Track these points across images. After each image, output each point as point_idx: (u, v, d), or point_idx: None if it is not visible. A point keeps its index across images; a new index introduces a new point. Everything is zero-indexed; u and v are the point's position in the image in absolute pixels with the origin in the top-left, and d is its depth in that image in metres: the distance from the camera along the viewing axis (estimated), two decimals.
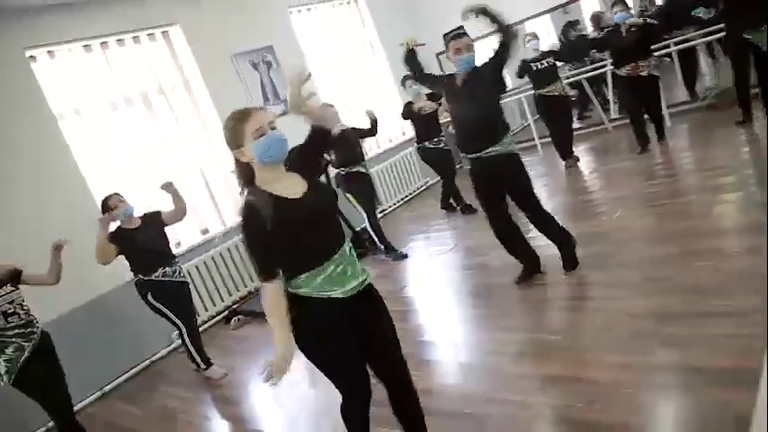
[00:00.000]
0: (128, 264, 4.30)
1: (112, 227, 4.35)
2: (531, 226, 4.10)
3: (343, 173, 5.64)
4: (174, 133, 5.93)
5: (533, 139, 7.92)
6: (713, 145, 5.73)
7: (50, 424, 3.86)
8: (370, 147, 7.57)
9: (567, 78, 7.66)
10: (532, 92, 6.79)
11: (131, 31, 5.62)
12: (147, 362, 5.11)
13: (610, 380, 2.68)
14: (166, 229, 4.46)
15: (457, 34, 3.73)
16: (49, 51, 5.07)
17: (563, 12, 8.43)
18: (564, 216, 5.05)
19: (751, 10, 5.15)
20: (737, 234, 3.77)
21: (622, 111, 7.39)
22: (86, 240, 4.00)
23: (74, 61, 5.26)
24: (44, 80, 4.96)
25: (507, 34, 3.68)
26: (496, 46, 3.73)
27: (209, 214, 6.06)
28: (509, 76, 6.36)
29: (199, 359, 4.40)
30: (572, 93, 7.87)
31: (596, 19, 8.13)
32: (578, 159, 6.75)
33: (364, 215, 5.71)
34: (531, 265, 4.07)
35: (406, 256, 5.67)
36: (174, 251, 4.66)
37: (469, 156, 3.91)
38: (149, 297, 4.27)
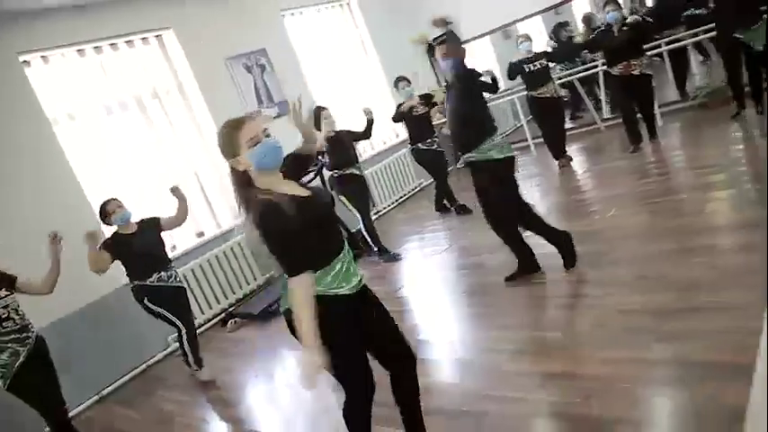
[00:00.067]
0: (124, 269, 4.31)
1: (108, 232, 4.36)
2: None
3: (336, 175, 5.66)
4: (168, 137, 5.94)
5: (527, 140, 7.96)
6: (704, 143, 5.79)
7: (47, 430, 3.86)
8: (364, 149, 7.58)
9: (560, 79, 7.71)
10: (525, 93, 6.82)
11: (125, 35, 5.62)
12: (145, 365, 5.10)
13: (606, 375, 2.70)
14: (162, 233, 4.47)
15: (442, 40, 3.84)
16: (42, 56, 5.08)
17: (554, 13, 8.47)
18: (558, 215, 5.10)
19: (742, 10, 5.23)
20: (730, 231, 3.81)
21: (615, 110, 7.44)
22: (82, 244, 3.99)
23: (68, 66, 5.26)
24: (38, 85, 4.96)
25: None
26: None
27: (204, 217, 6.07)
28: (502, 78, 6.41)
29: (192, 360, 4.40)
30: (563, 93, 7.92)
31: (587, 20, 8.18)
32: (571, 159, 6.79)
33: (359, 217, 5.73)
34: (527, 264, 4.10)
35: (399, 257, 5.68)
36: (170, 254, 4.67)
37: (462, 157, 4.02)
38: (146, 301, 4.28)
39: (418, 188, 8.33)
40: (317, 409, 3.48)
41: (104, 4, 5.40)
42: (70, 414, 4.07)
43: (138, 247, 4.22)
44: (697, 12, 6.40)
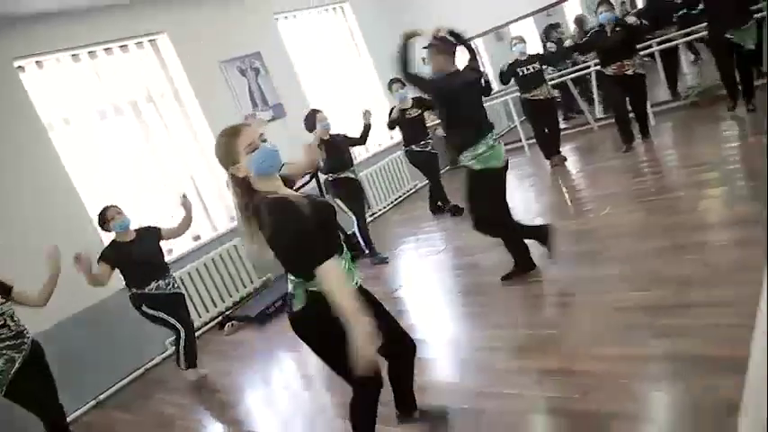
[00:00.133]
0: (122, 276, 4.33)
1: (107, 239, 4.37)
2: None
3: (331, 179, 5.68)
4: (163, 141, 5.94)
5: (520, 141, 8.00)
6: (696, 142, 5.84)
7: None
8: (359, 152, 7.60)
9: (552, 80, 7.75)
10: (518, 94, 6.86)
11: (119, 39, 5.62)
12: (143, 369, 5.10)
13: (603, 371, 2.73)
14: (162, 242, 4.49)
15: (430, 44, 3.89)
16: (37, 61, 5.07)
17: (546, 14, 8.53)
18: (552, 215, 5.13)
19: (732, 11, 5.31)
20: (724, 227, 3.85)
21: (608, 110, 7.49)
22: (79, 249, 3.99)
23: (62, 71, 5.26)
24: (33, 90, 4.96)
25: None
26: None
27: (200, 221, 6.06)
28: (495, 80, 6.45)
29: (183, 359, 4.42)
30: (556, 94, 7.96)
31: (579, 22, 8.25)
32: (566, 159, 6.83)
33: (354, 219, 5.75)
34: (523, 263, 4.12)
35: (386, 260, 5.72)
36: (167, 258, 4.67)
37: None
38: (144, 308, 4.30)
39: (413, 190, 8.35)
40: (314, 410, 3.50)
41: (98, 10, 5.40)
42: (68, 419, 4.06)
43: (137, 255, 4.23)
44: (691, 12, 6.45)
